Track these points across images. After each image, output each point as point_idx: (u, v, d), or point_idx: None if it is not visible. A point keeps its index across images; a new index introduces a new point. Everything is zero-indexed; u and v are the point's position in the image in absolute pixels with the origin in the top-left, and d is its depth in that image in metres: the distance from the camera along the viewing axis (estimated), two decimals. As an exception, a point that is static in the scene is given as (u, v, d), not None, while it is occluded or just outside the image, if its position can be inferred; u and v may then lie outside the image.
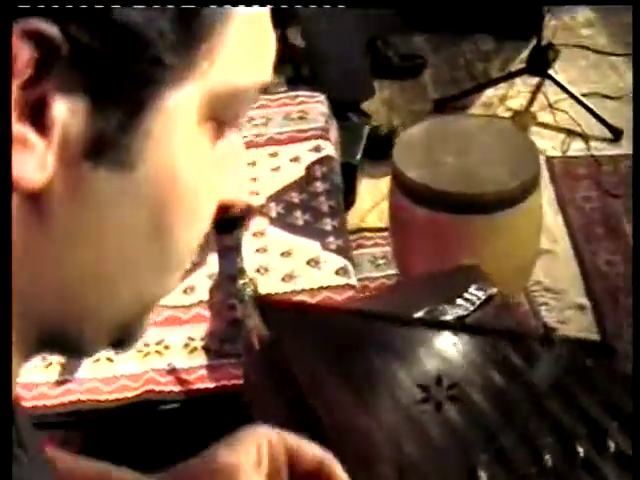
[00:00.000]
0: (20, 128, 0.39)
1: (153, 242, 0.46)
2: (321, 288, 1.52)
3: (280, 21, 3.28)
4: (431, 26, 3.36)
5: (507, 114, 2.84)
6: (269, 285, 1.54)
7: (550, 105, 2.87)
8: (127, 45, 0.40)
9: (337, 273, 1.56)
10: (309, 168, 1.84)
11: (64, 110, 0.40)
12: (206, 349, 1.41)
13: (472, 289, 0.97)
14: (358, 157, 2.49)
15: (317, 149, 1.90)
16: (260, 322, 0.88)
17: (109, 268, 0.46)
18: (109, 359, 1.40)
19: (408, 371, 0.85)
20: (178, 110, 0.43)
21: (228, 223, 1.27)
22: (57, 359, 1.40)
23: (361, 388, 0.82)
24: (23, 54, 0.38)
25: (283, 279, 1.55)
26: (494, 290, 0.97)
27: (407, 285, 1.53)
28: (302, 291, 1.52)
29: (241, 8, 0.44)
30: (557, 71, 2.90)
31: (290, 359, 0.85)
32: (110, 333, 0.49)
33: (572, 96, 2.79)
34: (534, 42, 2.89)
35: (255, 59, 0.47)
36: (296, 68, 3.21)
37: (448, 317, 0.93)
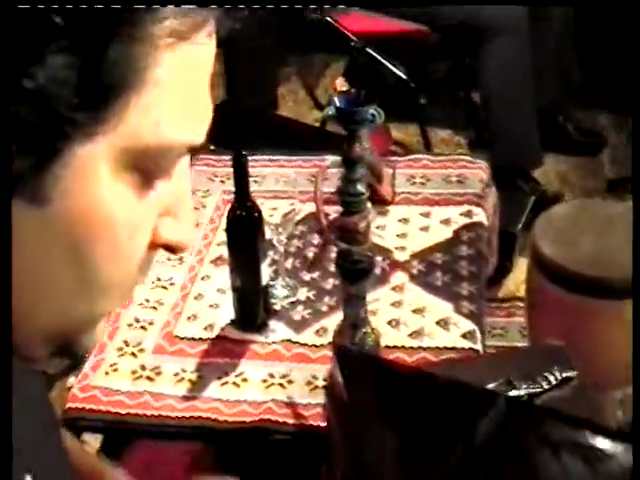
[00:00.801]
0: None
1: (70, 270, 0.52)
2: (446, 349, 1.58)
3: (464, 82, 3.37)
4: (616, 106, 3.35)
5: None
6: (397, 338, 1.60)
7: None
8: (39, 105, 0.46)
9: (464, 336, 1.60)
10: (457, 232, 1.90)
11: None
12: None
13: (553, 369, 1.00)
14: (519, 226, 2.53)
15: (469, 214, 1.95)
16: (338, 372, 0.95)
17: (29, 288, 0.52)
18: (235, 384, 1.51)
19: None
20: (89, 159, 0.49)
21: (356, 273, 1.35)
22: (189, 375, 1.53)
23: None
24: None
25: (411, 335, 1.62)
26: (574, 373, 1.00)
27: (491, 356, 1.56)
28: (427, 349, 1.58)
29: (166, 66, 0.49)
30: None
31: (358, 419, 0.90)
32: (45, 344, 0.56)
33: None
34: None
35: (179, 121, 0.52)
36: (477, 130, 3.28)
37: (521, 392, 0.96)
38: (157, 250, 0.58)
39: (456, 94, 3.56)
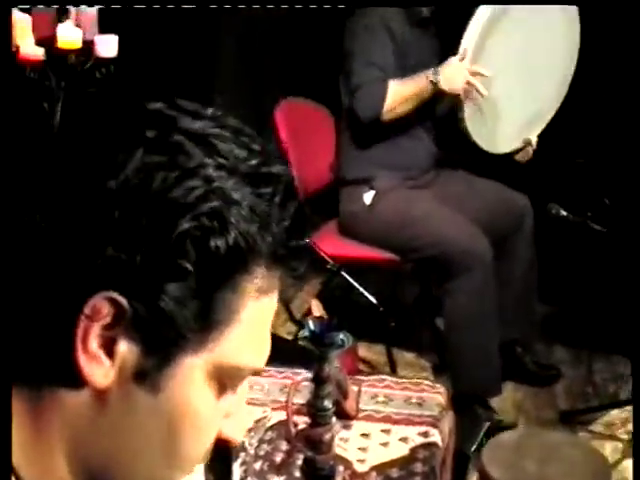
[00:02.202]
0: (97, 351, 0.68)
1: (163, 445, 0.72)
2: None
3: (431, 309, 3.59)
4: (572, 340, 3.58)
5: (627, 437, 2.96)
6: None
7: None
8: (166, 324, 0.67)
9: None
10: (414, 450, 2.05)
11: (125, 348, 0.68)
12: None
13: None
14: (472, 448, 2.67)
15: (426, 435, 2.11)
16: None
17: (132, 455, 0.72)
18: None
19: None
20: (191, 368, 0.70)
21: (319, 479, 1.50)
22: None
23: None
24: (104, 309, 0.67)
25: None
26: None
27: None
28: None
29: (249, 311, 0.71)
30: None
31: None
32: None
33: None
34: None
35: (251, 351, 0.73)
36: (441, 355, 3.47)
37: None
38: None
39: (422, 320, 3.79)
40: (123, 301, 0.66)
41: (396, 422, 2.16)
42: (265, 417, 1.85)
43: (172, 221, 0.66)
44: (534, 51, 3.21)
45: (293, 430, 1.52)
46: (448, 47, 3.10)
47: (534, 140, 3.36)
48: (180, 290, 0.67)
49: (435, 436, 2.12)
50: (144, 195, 0.67)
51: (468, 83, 3.00)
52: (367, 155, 3.19)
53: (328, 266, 3.23)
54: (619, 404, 3.14)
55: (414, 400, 2.27)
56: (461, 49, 3.03)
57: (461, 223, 3.10)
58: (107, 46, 2.80)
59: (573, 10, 3.22)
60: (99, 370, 0.68)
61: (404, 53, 3.13)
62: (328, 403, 1.46)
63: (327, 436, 1.47)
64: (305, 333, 1.43)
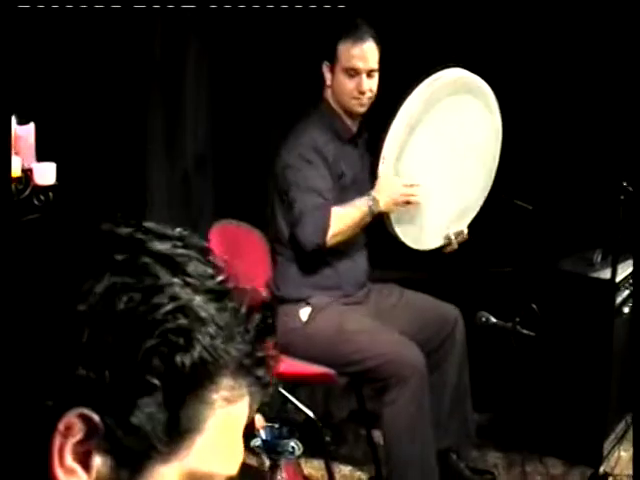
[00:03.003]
0: (73, 464, 0.72)
1: None
2: None
3: (366, 422, 3.64)
4: (505, 443, 3.67)
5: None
6: None
7: None
8: (136, 438, 0.71)
9: None
10: None
11: (99, 461, 0.72)
12: None
13: None
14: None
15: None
16: None
17: None
18: None
19: None
20: (164, 476, 0.73)
21: None
22: None
23: None
24: (77, 425, 0.71)
25: None
26: None
27: None
28: None
29: (217, 420, 0.74)
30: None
31: None
32: None
33: None
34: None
35: (222, 459, 0.76)
36: (378, 468, 3.51)
37: None
38: None
39: (358, 433, 3.84)
40: (95, 417, 0.70)
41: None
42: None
43: (138, 339, 0.71)
44: (457, 146, 3.33)
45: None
46: (377, 153, 3.21)
47: (465, 230, 3.45)
48: (149, 405, 0.71)
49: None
50: (110, 315, 0.71)
51: (404, 198, 3.13)
52: (303, 277, 3.28)
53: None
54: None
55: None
56: (381, 159, 3.14)
57: (394, 335, 3.19)
58: (45, 174, 2.87)
59: (494, 104, 3.34)
60: None
61: (339, 174, 3.25)
62: (285, 508, 1.51)
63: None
64: (257, 442, 1.49)
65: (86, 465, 0.72)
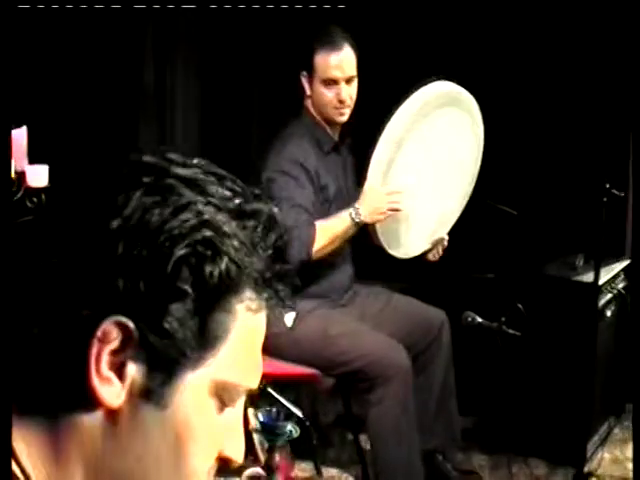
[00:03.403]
0: (109, 373, 0.77)
1: (172, 460, 0.81)
2: None
3: (353, 426, 3.68)
4: (491, 445, 3.72)
5: None
6: None
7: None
8: (168, 344, 0.77)
9: None
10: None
11: (133, 369, 0.78)
12: None
13: None
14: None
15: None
16: None
17: (143, 473, 0.80)
18: None
19: None
20: (192, 383, 0.79)
21: None
22: None
23: None
24: (114, 332, 0.77)
25: None
26: None
27: None
28: None
29: (240, 329, 0.80)
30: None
31: None
32: None
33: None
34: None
35: (243, 369, 0.82)
36: (364, 470, 3.54)
37: None
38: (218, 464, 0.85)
39: (344, 437, 3.88)
40: (130, 324, 0.76)
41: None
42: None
43: (169, 251, 0.76)
44: (441, 157, 3.38)
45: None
46: (361, 166, 3.26)
47: (445, 238, 3.51)
48: (180, 311, 0.77)
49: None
50: (142, 230, 0.77)
51: (389, 206, 3.16)
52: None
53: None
54: None
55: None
56: (370, 170, 3.18)
57: (379, 336, 3.23)
58: (37, 176, 2.90)
59: (479, 116, 3.40)
60: (111, 391, 0.77)
61: (322, 187, 3.28)
62: (281, 492, 1.55)
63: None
64: (256, 425, 1.53)
65: (120, 375, 0.77)
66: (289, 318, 3.25)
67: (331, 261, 3.34)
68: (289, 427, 1.52)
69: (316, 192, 3.24)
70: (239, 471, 1.70)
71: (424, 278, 3.67)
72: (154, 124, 3.86)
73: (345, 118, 3.30)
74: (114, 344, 0.77)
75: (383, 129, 3.13)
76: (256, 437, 1.75)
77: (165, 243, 0.77)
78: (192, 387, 0.80)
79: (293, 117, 3.37)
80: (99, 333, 0.76)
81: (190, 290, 0.77)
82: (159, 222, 0.77)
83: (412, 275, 3.64)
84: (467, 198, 3.55)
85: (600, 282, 3.33)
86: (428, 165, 3.35)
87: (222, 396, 0.82)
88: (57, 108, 3.51)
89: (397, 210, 3.20)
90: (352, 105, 3.27)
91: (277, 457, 1.54)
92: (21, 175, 2.93)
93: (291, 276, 0.86)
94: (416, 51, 3.93)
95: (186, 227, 0.78)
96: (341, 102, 3.23)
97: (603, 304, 3.57)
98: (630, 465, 3.65)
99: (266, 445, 1.55)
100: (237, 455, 0.87)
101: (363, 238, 3.36)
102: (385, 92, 3.24)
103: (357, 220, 3.16)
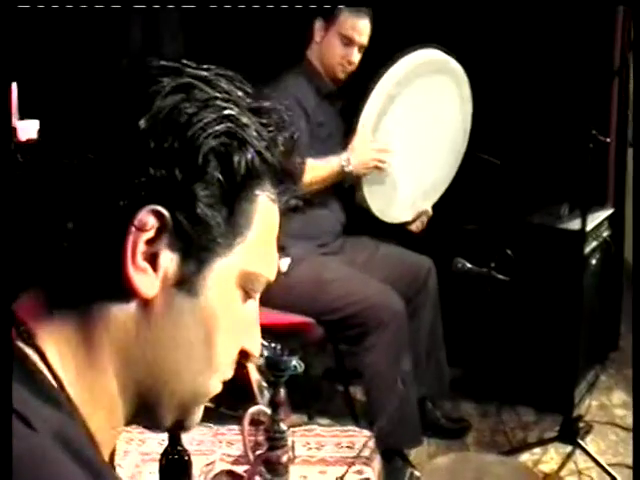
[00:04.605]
0: (144, 263, 0.80)
1: (201, 348, 0.84)
2: None
3: (343, 379, 3.71)
4: (479, 394, 3.77)
5: (541, 475, 3.13)
6: None
7: (579, 472, 3.16)
8: (201, 230, 0.80)
9: None
10: (350, 485, 2.16)
11: (167, 259, 0.81)
12: None
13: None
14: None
15: (360, 472, 2.22)
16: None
17: (176, 363, 0.83)
18: None
19: None
20: (222, 270, 0.83)
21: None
22: None
23: None
24: (150, 221, 0.79)
25: None
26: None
27: None
28: None
29: (261, 218, 0.85)
30: (588, 443, 3.24)
31: None
32: (174, 412, 0.86)
33: (599, 464, 3.09)
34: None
35: (264, 260, 0.87)
36: (355, 421, 3.58)
37: None
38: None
39: (334, 390, 3.91)
40: (165, 212, 0.79)
41: (331, 464, 2.27)
42: (213, 463, 1.94)
43: (199, 142, 0.80)
44: (430, 125, 3.45)
45: (251, 455, 1.62)
46: (352, 119, 3.31)
47: (429, 210, 3.59)
48: (211, 199, 0.80)
49: (369, 473, 2.24)
50: (172, 125, 0.80)
51: (375, 162, 3.23)
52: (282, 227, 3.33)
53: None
54: (528, 446, 3.32)
55: (344, 444, 2.38)
56: (359, 125, 3.24)
57: (373, 282, 3.26)
58: (28, 131, 2.88)
59: (467, 87, 3.46)
60: (146, 281, 0.80)
61: (316, 126, 3.33)
62: (284, 426, 1.57)
63: (284, 458, 1.57)
64: (260, 360, 1.55)
65: (154, 265, 0.80)
66: (284, 263, 3.27)
67: (323, 204, 3.38)
68: (294, 362, 1.53)
69: (312, 128, 3.30)
70: (245, 408, 1.72)
71: (410, 232, 3.68)
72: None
73: (344, 77, 3.41)
74: (150, 233, 0.79)
75: (372, 89, 3.21)
76: (254, 379, 1.77)
77: (195, 135, 0.80)
78: (221, 276, 0.83)
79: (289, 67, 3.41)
80: (136, 222, 0.79)
81: (220, 177, 0.81)
82: (187, 117, 0.81)
83: (399, 228, 3.65)
84: (453, 172, 3.62)
85: (586, 229, 3.35)
86: (417, 129, 3.41)
87: (246, 286, 0.86)
88: (46, 67, 3.49)
89: (381, 169, 3.25)
90: (353, 71, 3.40)
91: (282, 393, 1.55)
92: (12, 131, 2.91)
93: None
94: (401, 19, 3.91)
95: (212, 120, 0.81)
96: (349, 63, 3.36)
97: (588, 252, 3.60)
98: (617, 411, 3.72)
99: (265, 385, 1.56)
100: (255, 349, 0.90)
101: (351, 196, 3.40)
102: (374, 60, 3.28)
103: (347, 169, 3.23)
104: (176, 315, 0.82)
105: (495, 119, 3.74)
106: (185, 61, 0.86)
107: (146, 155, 0.79)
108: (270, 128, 0.86)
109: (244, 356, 0.89)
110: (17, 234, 0.82)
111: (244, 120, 0.83)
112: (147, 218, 0.79)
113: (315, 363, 4.10)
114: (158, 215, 0.79)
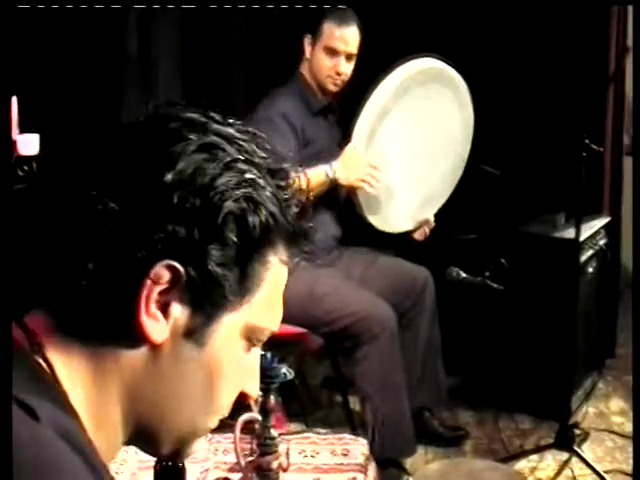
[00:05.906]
0: (156, 311, 0.84)
1: (205, 393, 0.89)
2: None
3: (342, 387, 3.73)
4: (476, 402, 3.79)
5: (536, 483, 3.16)
6: None
7: (575, 479, 3.18)
8: (212, 287, 0.85)
9: None
10: (345, 493, 2.18)
11: (178, 309, 0.85)
12: None
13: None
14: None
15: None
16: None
17: (177, 403, 0.88)
18: None
19: None
20: (229, 325, 0.87)
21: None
22: None
23: None
24: (165, 276, 0.83)
25: None
26: None
27: None
28: None
29: (271, 279, 0.89)
30: (585, 450, 3.26)
31: None
32: (173, 442, 0.91)
33: (595, 471, 3.10)
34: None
35: (271, 314, 0.92)
36: (353, 430, 3.59)
37: None
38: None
39: (332, 399, 3.93)
40: (180, 268, 0.83)
41: (325, 471, 2.29)
42: (207, 470, 1.96)
43: (220, 203, 0.85)
44: (428, 133, 3.45)
45: (243, 462, 1.64)
46: (347, 132, 3.32)
47: (431, 219, 3.60)
48: (225, 259, 0.85)
49: (363, 480, 2.26)
50: (195, 184, 0.84)
51: (367, 176, 3.22)
52: None
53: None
54: (525, 453, 3.34)
55: (339, 451, 2.40)
56: (353, 138, 3.25)
57: (364, 294, 3.29)
58: (28, 145, 2.90)
59: (466, 94, 3.48)
60: (157, 327, 0.85)
61: (306, 142, 3.34)
62: (274, 432, 1.59)
63: (275, 464, 1.59)
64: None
65: (165, 313, 0.85)
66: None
67: (317, 219, 3.37)
68: (283, 370, 1.56)
69: (300, 145, 3.30)
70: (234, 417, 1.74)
71: (408, 241, 3.70)
72: (137, 91, 3.87)
73: (336, 89, 3.41)
74: (163, 285, 0.84)
75: (367, 99, 3.22)
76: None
77: (215, 197, 0.85)
78: (227, 328, 0.88)
79: (282, 82, 3.43)
80: (152, 274, 0.83)
81: (236, 240, 0.85)
82: (210, 178, 0.85)
83: (397, 239, 3.67)
84: (456, 181, 3.62)
85: (581, 238, 3.38)
86: (414, 140, 3.42)
87: (251, 337, 0.91)
88: (45, 78, 3.52)
89: (371, 186, 3.25)
90: (346, 81, 3.39)
91: (272, 400, 1.58)
92: (12, 144, 2.93)
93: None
94: (398, 26, 3.95)
95: (233, 184, 0.86)
96: (337, 74, 3.36)
97: (584, 260, 3.63)
98: (614, 418, 3.73)
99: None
100: (254, 392, 0.96)
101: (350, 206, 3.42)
102: (372, 68, 3.30)
103: (330, 176, 3.22)
104: (182, 362, 0.87)
105: (489, 128, 3.76)
106: (211, 114, 0.91)
107: (167, 211, 0.84)
108: (286, 191, 0.90)
109: (243, 398, 0.94)
110: (35, 255, 0.88)
111: (262, 183, 0.88)
112: (163, 272, 0.84)
113: (314, 372, 4.13)
114: (173, 270, 0.84)
